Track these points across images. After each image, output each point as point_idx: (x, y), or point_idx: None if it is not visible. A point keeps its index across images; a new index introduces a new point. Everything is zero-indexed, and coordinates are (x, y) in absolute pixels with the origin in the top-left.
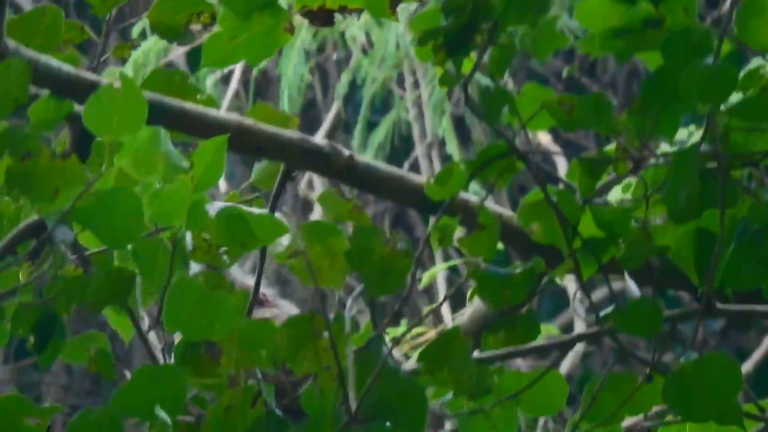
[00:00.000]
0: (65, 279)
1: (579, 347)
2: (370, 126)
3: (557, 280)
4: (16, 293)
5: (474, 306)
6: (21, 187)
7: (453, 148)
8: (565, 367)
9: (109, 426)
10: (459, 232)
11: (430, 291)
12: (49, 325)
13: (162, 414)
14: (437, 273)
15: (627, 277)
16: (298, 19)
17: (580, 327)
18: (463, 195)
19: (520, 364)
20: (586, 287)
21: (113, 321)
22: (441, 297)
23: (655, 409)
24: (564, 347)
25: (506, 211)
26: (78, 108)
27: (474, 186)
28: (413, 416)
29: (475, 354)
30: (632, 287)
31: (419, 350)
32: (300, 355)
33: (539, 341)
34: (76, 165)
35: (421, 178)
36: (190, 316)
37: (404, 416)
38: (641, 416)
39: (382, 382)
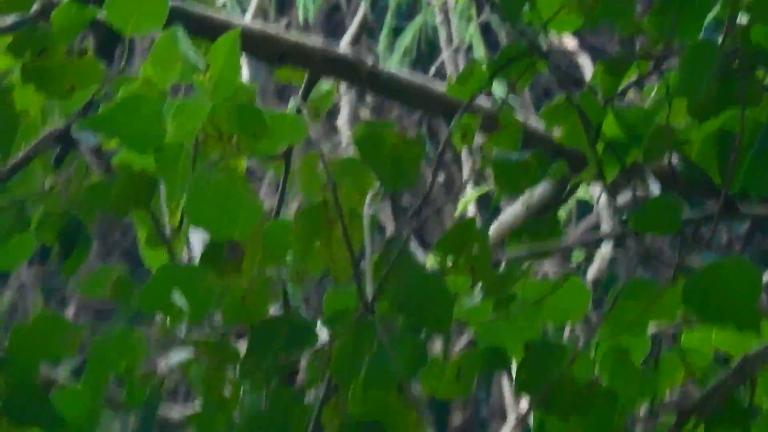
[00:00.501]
0: (89, 185)
1: (605, 252)
2: (396, 32)
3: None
4: (42, 201)
5: (500, 219)
6: (36, 82)
7: (480, 53)
8: (591, 273)
9: (132, 345)
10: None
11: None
12: (74, 233)
13: (180, 300)
14: (471, 200)
15: (650, 180)
16: None
17: (605, 230)
18: (485, 105)
19: (548, 270)
20: (610, 190)
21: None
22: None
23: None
24: (588, 248)
25: (530, 122)
26: (101, 14)
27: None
28: (438, 313)
29: (500, 254)
30: (655, 190)
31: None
32: (314, 246)
33: (563, 243)
34: (92, 62)
35: (443, 87)
36: (213, 213)
37: (429, 313)
38: (667, 322)
39: (403, 276)
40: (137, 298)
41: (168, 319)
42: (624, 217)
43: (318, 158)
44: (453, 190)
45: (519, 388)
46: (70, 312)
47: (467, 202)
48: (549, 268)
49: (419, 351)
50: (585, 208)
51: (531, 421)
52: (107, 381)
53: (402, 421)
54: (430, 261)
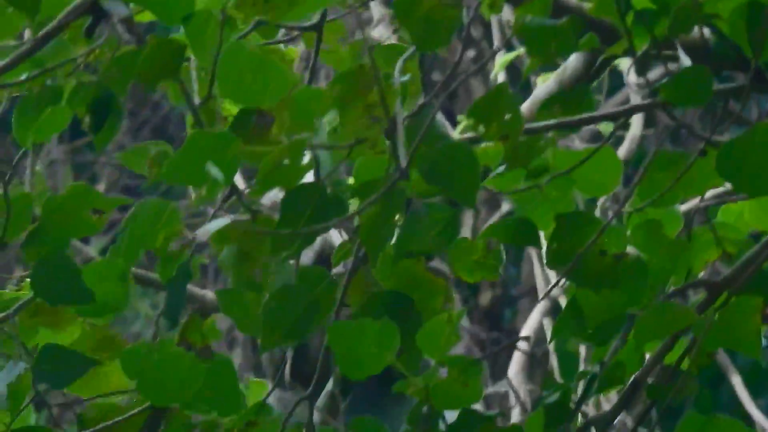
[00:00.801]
0: (118, 54)
1: (635, 132)
2: None
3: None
4: (73, 73)
5: (533, 94)
6: None
7: None
8: (621, 152)
9: (167, 216)
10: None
11: (485, 76)
12: (106, 104)
13: (214, 170)
14: (506, 63)
15: (681, 52)
16: None
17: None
18: None
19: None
20: (640, 62)
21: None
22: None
23: (713, 192)
24: (617, 119)
25: None
26: None
27: None
28: (465, 182)
29: (529, 125)
30: (686, 62)
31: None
32: (350, 109)
33: (592, 113)
34: None
35: None
36: (243, 82)
37: (456, 182)
38: (699, 198)
39: (431, 145)
40: (165, 168)
41: (200, 191)
42: (654, 88)
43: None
44: (482, 66)
45: (550, 260)
46: (100, 189)
47: (503, 64)
48: (579, 145)
49: (450, 222)
50: (615, 84)
51: (559, 294)
52: (139, 254)
53: (431, 292)
54: (456, 133)
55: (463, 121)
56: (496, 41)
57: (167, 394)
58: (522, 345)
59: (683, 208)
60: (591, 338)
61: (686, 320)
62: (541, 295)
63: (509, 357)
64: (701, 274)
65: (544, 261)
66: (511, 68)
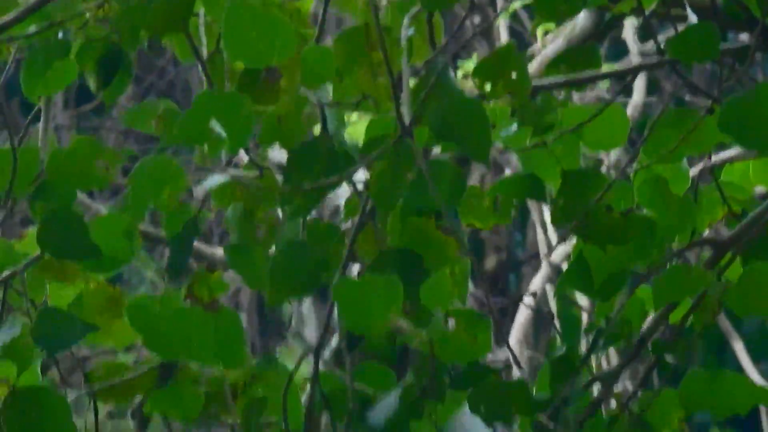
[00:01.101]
0: (129, 6)
1: (638, 99)
2: None
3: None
4: (82, 27)
5: (542, 53)
6: None
7: None
8: None
9: (172, 172)
10: None
11: (490, 40)
12: (115, 59)
13: (218, 128)
14: (513, 9)
15: (690, 12)
16: None
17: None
18: None
19: None
20: (646, 25)
21: (176, 47)
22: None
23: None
24: (623, 78)
25: None
26: None
27: None
28: (477, 137)
29: (536, 82)
30: (694, 21)
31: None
32: (355, 69)
33: (599, 71)
34: None
35: None
36: (250, 40)
37: (468, 137)
38: (707, 157)
39: (441, 101)
40: (176, 127)
41: (207, 148)
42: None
43: None
44: (488, 28)
45: (555, 217)
46: None
47: (509, 12)
48: None
49: (458, 179)
50: (619, 50)
51: (562, 261)
52: (144, 211)
53: (440, 249)
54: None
55: (464, 67)
56: (500, 5)
57: (175, 348)
58: (526, 306)
59: (691, 172)
60: (596, 293)
61: (704, 283)
62: (544, 260)
63: (512, 323)
64: (704, 234)
65: (549, 219)
66: (513, 32)
